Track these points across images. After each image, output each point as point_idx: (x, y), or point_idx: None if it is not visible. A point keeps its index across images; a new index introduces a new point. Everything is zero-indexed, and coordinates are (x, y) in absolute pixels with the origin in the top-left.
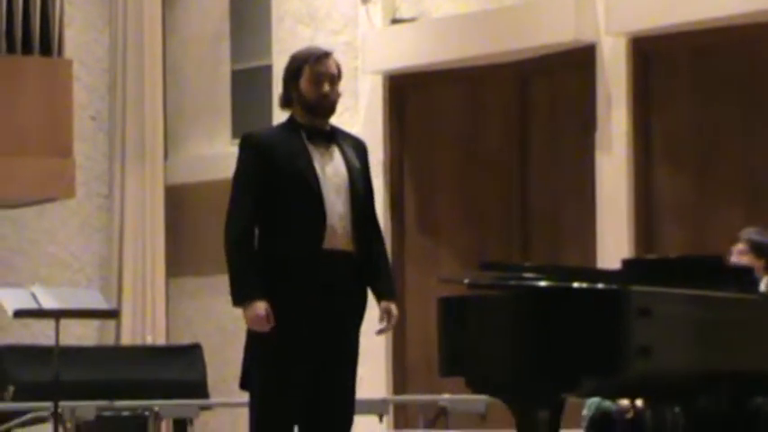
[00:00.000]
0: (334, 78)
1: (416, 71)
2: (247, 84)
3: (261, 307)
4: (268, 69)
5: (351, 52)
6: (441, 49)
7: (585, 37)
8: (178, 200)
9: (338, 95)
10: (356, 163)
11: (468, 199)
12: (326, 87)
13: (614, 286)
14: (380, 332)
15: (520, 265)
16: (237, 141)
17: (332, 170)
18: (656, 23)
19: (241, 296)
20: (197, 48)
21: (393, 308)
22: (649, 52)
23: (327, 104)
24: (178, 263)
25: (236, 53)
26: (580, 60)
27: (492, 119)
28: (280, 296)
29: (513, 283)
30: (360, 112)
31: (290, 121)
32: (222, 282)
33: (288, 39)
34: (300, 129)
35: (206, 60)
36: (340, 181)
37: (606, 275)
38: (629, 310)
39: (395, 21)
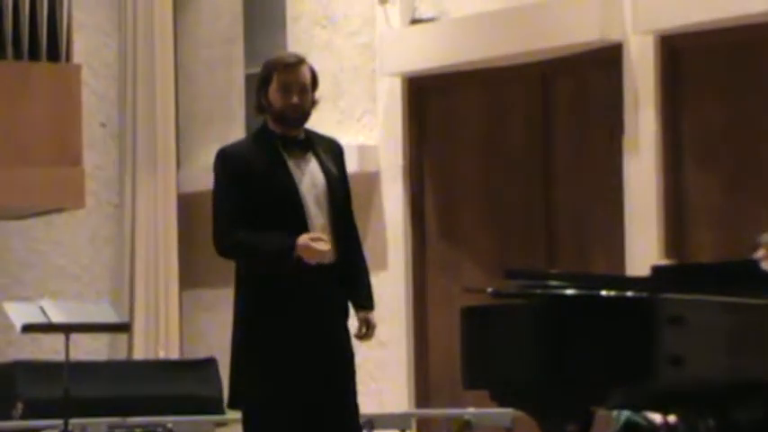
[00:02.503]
0: (306, 88)
1: (436, 73)
2: None
3: (301, 239)
4: None
5: (368, 54)
6: (461, 49)
7: (612, 35)
8: (191, 209)
9: (311, 104)
10: (333, 169)
11: (491, 205)
12: (295, 98)
13: (644, 294)
14: (359, 339)
15: (545, 272)
16: None
17: (310, 180)
18: (685, 21)
19: (283, 251)
20: (209, 51)
21: (372, 318)
22: (678, 51)
23: (296, 114)
24: (192, 274)
25: (249, 56)
26: (606, 60)
27: (515, 121)
28: (267, 314)
29: (538, 291)
30: (378, 115)
31: (264, 130)
32: None
33: (303, 40)
34: (275, 138)
35: (219, 64)
36: (319, 191)
37: (635, 283)
38: (659, 318)
39: (414, 21)
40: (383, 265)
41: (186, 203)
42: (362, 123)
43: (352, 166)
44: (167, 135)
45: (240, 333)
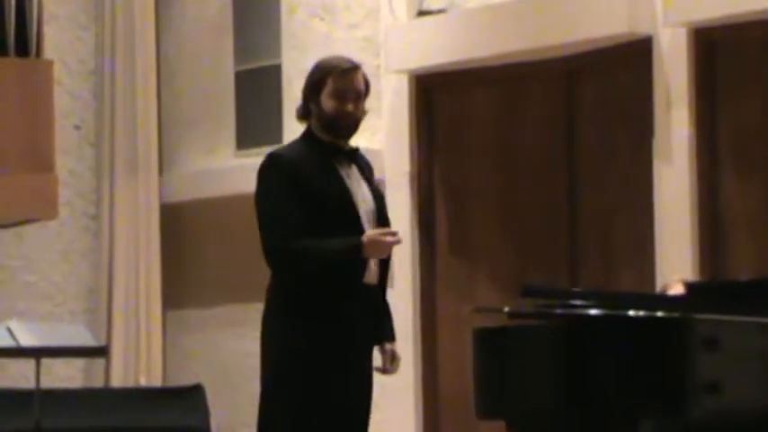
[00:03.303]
0: (360, 95)
1: (447, 70)
2: (254, 86)
3: (371, 234)
4: (277, 69)
5: (372, 49)
6: (474, 44)
7: (641, 29)
8: (176, 220)
9: (364, 113)
10: (377, 187)
11: (507, 215)
12: (350, 106)
13: (676, 314)
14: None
15: (567, 290)
16: (242, 153)
17: (361, 195)
18: (722, 12)
19: (350, 251)
20: (196, 46)
21: (396, 350)
22: (715, 45)
23: (349, 123)
24: (176, 292)
25: (240, 51)
26: (635, 55)
27: (534, 124)
28: (316, 344)
29: (559, 311)
30: (383, 116)
31: (311, 137)
32: (227, 313)
33: (300, 34)
34: (325, 147)
35: (206, 60)
36: (369, 207)
37: (667, 302)
38: (693, 341)
39: (421, 13)
40: (388, 281)
41: (170, 214)
42: (365, 125)
43: None
44: (149, 138)
45: (284, 363)
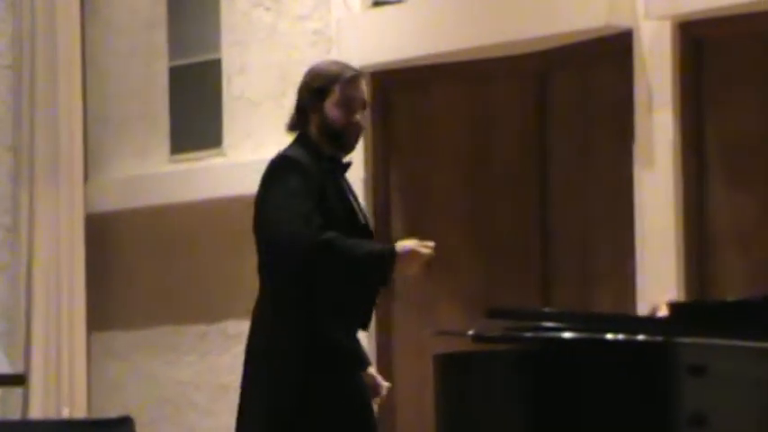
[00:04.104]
0: (365, 105)
1: (406, 66)
2: (190, 84)
3: (411, 242)
4: (216, 65)
5: (322, 43)
6: (437, 37)
7: (620, 22)
8: (103, 232)
9: (363, 126)
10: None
11: (473, 227)
12: (357, 116)
13: (659, 338)
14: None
15: (539, 311)
16: (177, 157)
17: (361, 214)
18: (709, 4)
19: (384, 255)
20: (125, 38)
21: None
22: (701, 41)
23: (356, 134)
24: (103, 313)
25: (174, 45)
26: (614, 51)
27: (504, 125)
28: (322, 372)
29: (529, 334)
30: None
31: (311, 147)
32: (160, 336)
33: (241, 26)
34: (325, 159)
35: (137, 54)
36: (368, 227)
37: (648, 324)
38: (677, 367)
39: (378, 2)
40: None
41: (96, 225)
42: None
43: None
44: (73, 142)
45: (288, 396)
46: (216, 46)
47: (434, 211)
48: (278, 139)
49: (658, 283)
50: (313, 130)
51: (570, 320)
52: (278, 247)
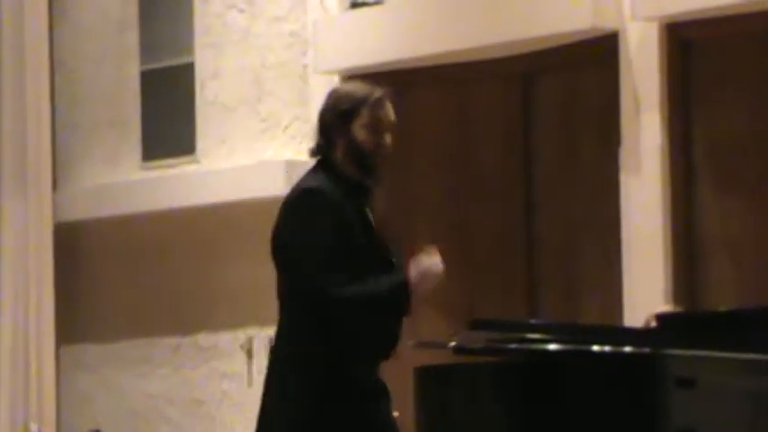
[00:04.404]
0: (394, 127)
1: (385, 70)
2: (162, 88)
3: (420, 265)
4: (189, 69)
5: (299, 46)
6: (417, 40)
7: (606, 23)
8: (72, 242)
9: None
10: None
11: (455, 235)
12: (387, 138)
13: (646, 349)
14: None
15: (523, 322)
16: (149, 165)
17: (383, 241)
18: (698, 5)
19: (400, 287)
20: (95, 41)
21: None
22: (690, 42)
23: (384, 158)
24: (72, 325)
25: (146, 48)
26: (600, 54)
27: (486, 130)
28: (338, 401)
29: (513, 346)
30: (310, 123)
31: (335, 172)
32: (130, 349)
33: (215, 28)
34: (352, 186)
35: (107, 58)
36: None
37: (636, 335)
38: (666, 379)
39: (355, 4)
40: None
41: (65, 235)
42: (290, 133)
43: (277, 186)
44: (41, 149)
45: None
46: (189, 49)
47: (416, 215)
48: (253, 146)
49: (646, 290)
50: (338, 155)
51: (555, 332)
52: (306, 300)
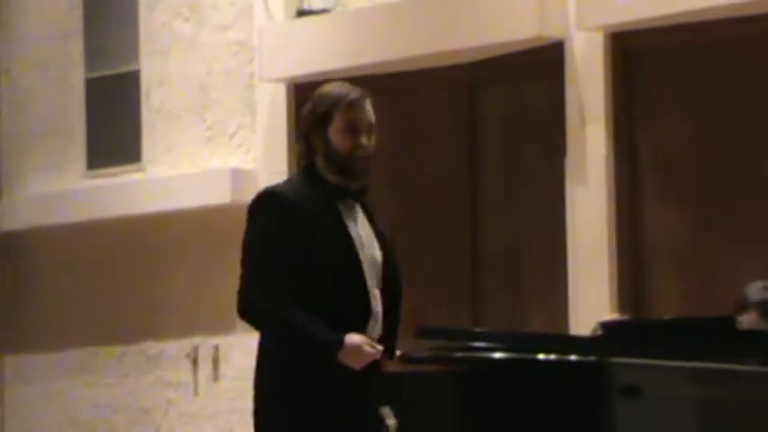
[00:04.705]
0: (373, 127)
1: (331, 78)
2: (107, 96)
3: (355, 339)
4: (135, 76)
5: (244, 54)
6: (363, 48)
7: (552, 32)
8: (16, 251)
9: (374, 150)
10: (383, 232)
11: (401, 245)
12: (364, 139)
13: (592, 358)
14: None
15: (470, 331)
16: (94, 173)
17: (367, 242)
18: (642, 14)
19: (326, 347)
20: (40, 49)
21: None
22: (635, 52)
23: (364, 161)
24: (15, 335)
25: (91, 56)
26: (545, 63)
27: (431, 140)
28: (319, 402)
29: (459, 355)
30: (257, 131)
31: (313, 175)
32: (74, 358)
33: (161, 36)
34: (329, 188)
35: (52, 66)
36: (374, 256)
37: (581, 344)
38: (611, 388)
39: (301, 12)
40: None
41: (9, 244)
42: (236, 142)
43: (223, 194)
44: None
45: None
46: (134, 57)
47: None
48: (199, 154)
49: (591, 300)
50: (320, 159)
51: (502, 340)
52: (238, 304)
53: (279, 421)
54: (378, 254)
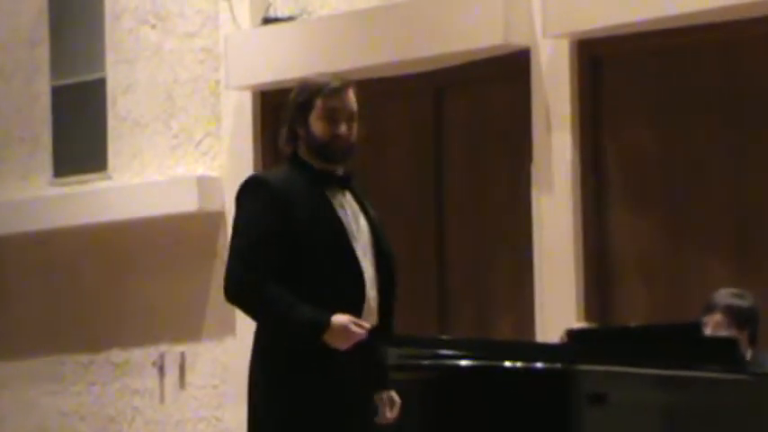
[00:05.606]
0: (353, 116)
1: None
2: (73, 104)
3: (341, 319)
4: (101, 84)
5: (210, 61)
6: (328, 56)
7: (518, 40)
8: None
9: (356, 137)
10: (376, 214)
11: None
12: (342, 127)
13: (558, 365)
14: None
15: (436, 338)
16: (61, 181)
17: (356, 226)
18: (609, 22)
19: (311, 326)
20: (5, 56)
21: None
22: (601, 59)
23: (343, 147)
24: None
25: (57, 63)
26: (511, 70)
27: (397, 147)
28: (311, 388)
29: (425, 362)
30: (222, 139)
31: (299, 162)
32: (42, 366)
33: (127, 44)
34: (315, 174)
35: (17, 73)
36: (365, 239)
37: (547, 351)
38: (577, 395)
39: (267, 20)
40: (230, 329)
41: None
42: (202, 149)
43: (190, 202)
44: None
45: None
46: (100, 65)
47: None
48: (165, 162)
49: (558, 306)
50: (302, 146)
51: (467, 348)
52: (224, 285)
53: (276, 415)
54: (367, 235)
